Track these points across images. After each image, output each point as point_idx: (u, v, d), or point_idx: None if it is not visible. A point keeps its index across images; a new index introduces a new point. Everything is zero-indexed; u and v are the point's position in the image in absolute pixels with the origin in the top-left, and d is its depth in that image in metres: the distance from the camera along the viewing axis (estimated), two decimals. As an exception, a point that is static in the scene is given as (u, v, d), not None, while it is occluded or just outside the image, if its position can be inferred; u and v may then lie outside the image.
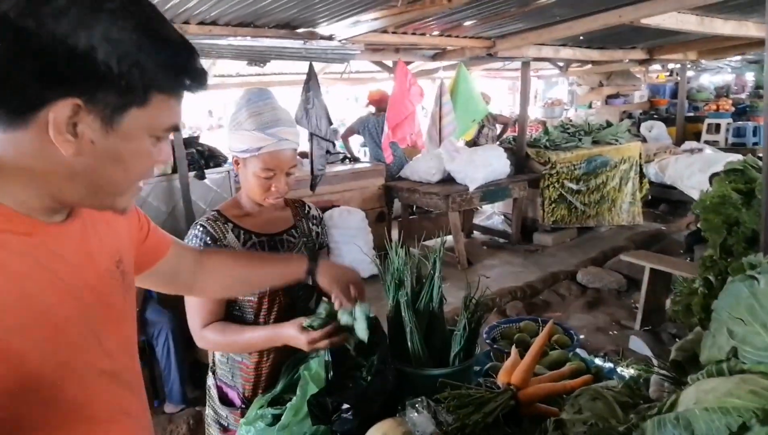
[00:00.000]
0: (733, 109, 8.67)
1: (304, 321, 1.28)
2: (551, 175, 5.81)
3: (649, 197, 7.01)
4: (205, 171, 4.00)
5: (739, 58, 8.08)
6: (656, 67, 9.73)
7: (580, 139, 6.29)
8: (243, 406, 1.49)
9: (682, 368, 0.94)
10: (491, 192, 5.42)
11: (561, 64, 6.82)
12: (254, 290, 1.36)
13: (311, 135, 4.71)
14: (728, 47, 6.55)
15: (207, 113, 11.25)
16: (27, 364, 0.67)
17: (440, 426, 1.07)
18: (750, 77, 10.14)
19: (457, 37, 4.96)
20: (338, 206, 4.97)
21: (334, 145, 5.15)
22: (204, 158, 4.09)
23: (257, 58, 4.26)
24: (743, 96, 9.79)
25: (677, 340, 3.62)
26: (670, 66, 9.69)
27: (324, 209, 4.61)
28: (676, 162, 6.80)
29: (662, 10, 3.84)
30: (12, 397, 0.65)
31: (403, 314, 1.33)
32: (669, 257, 4.25)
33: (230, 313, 1.46)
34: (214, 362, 1.57)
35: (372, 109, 5.99)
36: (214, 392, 1.56)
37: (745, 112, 8.56)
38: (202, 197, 3.96)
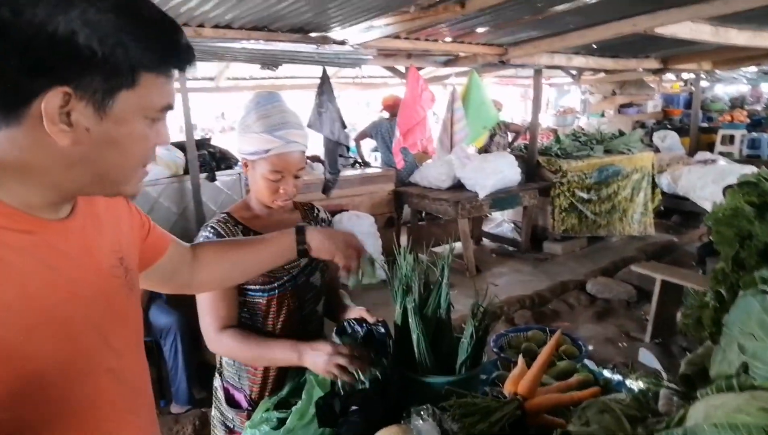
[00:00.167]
0: (747, 120, 8.60)
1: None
2: (562, 183, 5.78)
3: (662, 208, 6.94)
4: (216, 173, 4.02)
5: (754, 68, 8.02)
6: (670, 76, 9.67)
7: (591, 148, 6.26)
8: (249, 408, 1.49)
9: (692, 382, 0.92)
10: (501, 199, 5.40)
11: (574, 72, 6.80)
12: (251, 276, 1.30)
13: (326, 139, 4.73)
14: (743, 58, 6.50)
15: (219, 115, 11.33)
16: (32, 363, 0.66)
17: (445, 434, 1.07)
18: (765, 88, 10.05)
19: (469, 43, 4.97)
20: (347, 210, 4.98)
21: (348, 149, 5.15)
22: (215, 160, 4.12)
23: (270, 61, 4.29)
24: (758, 107, 9.72)
25: (687, 353, 3.57)
26: (685, 76, 9.62)
27: (333, 213, 4.62)
28: (689, 173, 6.74)
29: (677, 19, 3.81)
30: (18, 398, 0.65)
31: (410, 320, 1.32)
32: (680, 269, 4.20)
33: (239, 316, 1.46)
34: (221, 364, 1.57)
35: (386, 114, 6.01)
36: (220, 393, 1.56)
37: (760, 124, 8.48)
38: (212, 199, 3.98)
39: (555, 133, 8.85)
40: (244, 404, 1.51)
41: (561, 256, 5.82)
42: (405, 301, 1.34)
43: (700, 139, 8.37)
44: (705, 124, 8.72)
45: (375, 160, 7.04)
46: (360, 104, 11.72)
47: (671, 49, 6.10)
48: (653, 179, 6.62)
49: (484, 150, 6.81)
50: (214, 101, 10.10)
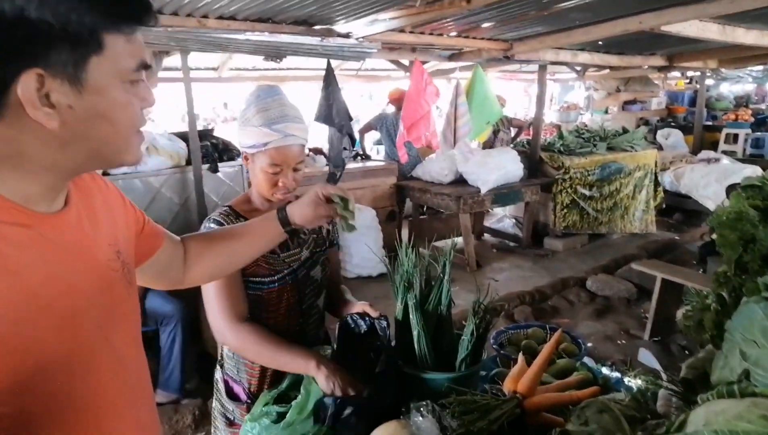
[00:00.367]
0: (752, 119, 8.56)
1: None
2: (564, 180, 5.77)
3: (663, 206, 6.93)
4: (219, 164, 4.01)
5: (760, 67, 7.97)
6: (675, 74, 9.62)
7: (594, 145, 6.24)
8: (248, 401, 1.50)
9: (692, 386, 0.93)
10: (503, 195, 5.40)
11: (578, 68, 6.76)
12: (242, 264, 1.29)
13: (331, 132, 4.72)
14: (750, 57, 6.46)
15: (222, 105, 11.30)
16: (33, 357, 0.66)
17: (444, 431, 1.07)
18: (771, 87, 10.00)
19: (474, 38, 4.94)
20: (349, 204, 4.96)
21: (353, 141, 5.13)
22: (218, 151, 4.10)
23: (274, 53, 4.27)
24: (763, 106, 9.66)
25: (687, 352, 3.58)
26: (690, 73, 9.58)
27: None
28: (692, 171, 6.73)
29: (684, 17, 3.79)
30: (18, 391, 0.65)
31: (411, 316, 1.33)
32: (681, 268, 4.20)
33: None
34: (222, 355, 1.58)
35: (392, 107, 5.99)
36: (221, 385, 1.57)
37: (765, 123, 8.45)
38: (214, 190, 3.98)
39: (558, 129, 8.81)
40: (243, 397, 1.52)
41: (562, 253, 5.82)
42: (406, 298, 1.34)
43: (704, 137, 8.34)
44: (709, 123, 8.69)
45: (377, 153, 7.03)
46: (363, 96, 11.68)
47: (677, 47, 6.06)
48: (656, 177, 6.61)
49: (489, 146, 6.79)
50: (217, 91, 10.07)
